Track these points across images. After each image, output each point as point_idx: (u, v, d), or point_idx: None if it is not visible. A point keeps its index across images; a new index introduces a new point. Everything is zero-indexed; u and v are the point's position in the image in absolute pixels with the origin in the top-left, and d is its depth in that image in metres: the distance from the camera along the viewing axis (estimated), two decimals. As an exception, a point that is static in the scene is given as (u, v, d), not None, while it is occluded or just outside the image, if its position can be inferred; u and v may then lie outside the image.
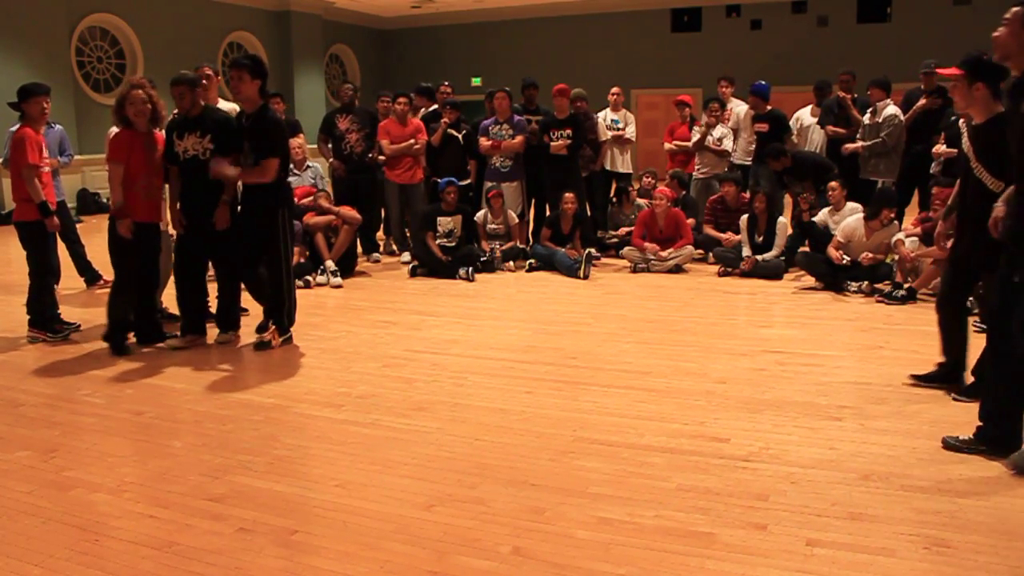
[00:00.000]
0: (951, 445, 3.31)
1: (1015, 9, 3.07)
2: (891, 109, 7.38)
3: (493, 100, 7.91)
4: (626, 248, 7.52)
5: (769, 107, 8.05)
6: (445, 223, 7.40)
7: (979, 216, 3.51)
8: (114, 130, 5.01)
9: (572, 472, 3.17)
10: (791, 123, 8.42)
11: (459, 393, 4.14)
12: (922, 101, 7.58)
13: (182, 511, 2.89)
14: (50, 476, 3.21)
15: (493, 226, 7.70)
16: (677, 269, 7.20)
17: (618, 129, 8.56)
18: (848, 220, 6.50)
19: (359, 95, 8.25)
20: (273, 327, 5.00)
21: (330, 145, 7.98)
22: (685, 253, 7.26)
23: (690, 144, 8.43)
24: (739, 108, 8.52)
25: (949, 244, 3.93)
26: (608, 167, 8.59)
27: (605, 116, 8.68)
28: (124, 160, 4.79)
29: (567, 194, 7.42)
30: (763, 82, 8.24)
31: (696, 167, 8.43)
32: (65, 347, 5.09)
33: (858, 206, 6.66)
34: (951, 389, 3.95)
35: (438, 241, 7.36)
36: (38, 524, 2.80)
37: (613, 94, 8.81)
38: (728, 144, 8.25)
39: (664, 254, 7.18)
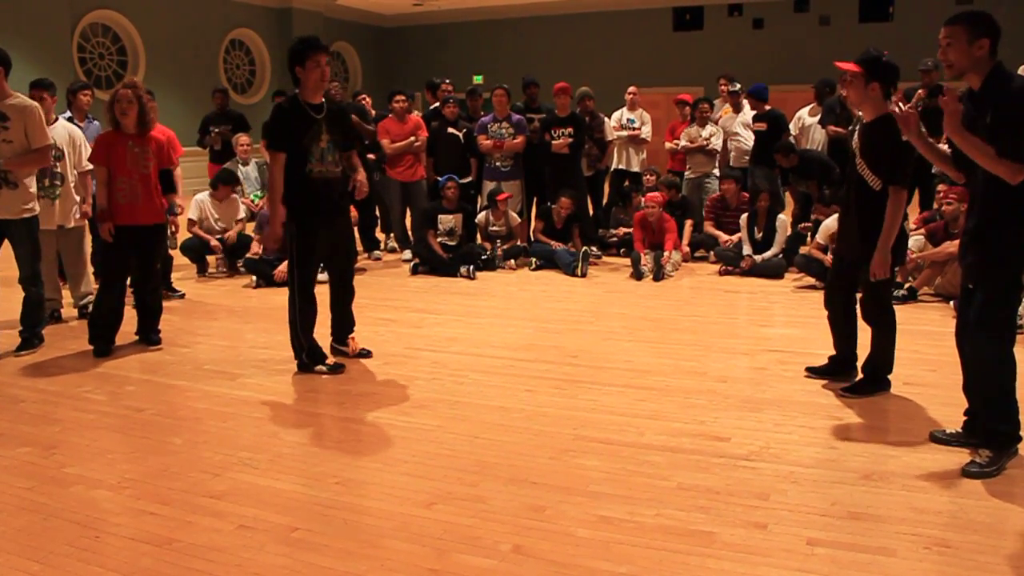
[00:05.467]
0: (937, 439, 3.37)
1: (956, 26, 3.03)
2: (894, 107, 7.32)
3: (489, 97, 7.90)
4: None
5: (768, 107, 8.04)
6: (446, 221, 7.40)
7: (859, 212, 3.80)
8: None
9: (572, 470, 3.17)
10: (792, 123, 8.41)
11: (459, 391, 4.14)
12: (919, 93, 7.60)
13: (182, 508, 2.89)
14: (50, 472, 3.21)
15: (495, 228, 7.69)
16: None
17: (634, 128, 8.57)
18: (826, 222, 6.51)
19: (347, 92, 8.24)
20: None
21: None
22: (675, 260, 7.23)
23: (678, 147, 8.44)
24: (725, 118, 8.52)
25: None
26: (624, 166, 8.61)
27: (621, 115, 8.69)
28: (103, 162, 4.78)
29: (563, 199, 7.42)
30: (760, 83, 8.25)
31: (687, 167, 8.45)
32: (66, 344, 5.10)
33: None
34: (841, 383, 4.09)
35: (439, 239, 7.36)
36: (38, 520, 2.80)
37: (630, 93, 8.83)
38: (717, 143, 8.24)
39: (668, 267, 7.10)
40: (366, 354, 4.76)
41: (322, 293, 4.66)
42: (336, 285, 4.71)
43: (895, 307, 5.72)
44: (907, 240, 4.24)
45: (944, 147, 3.59)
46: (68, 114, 6.19)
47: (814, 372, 4.30)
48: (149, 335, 5.08)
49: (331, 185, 4.41)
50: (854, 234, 3.85)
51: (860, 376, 4.06)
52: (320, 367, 4.47)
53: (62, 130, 5.46)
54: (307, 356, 4.49)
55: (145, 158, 4.87)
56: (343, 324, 4.79)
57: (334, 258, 4.63)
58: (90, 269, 5.88)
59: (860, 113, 3.93)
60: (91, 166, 5.28)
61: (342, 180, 4.46)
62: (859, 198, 3.83)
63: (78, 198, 5.52)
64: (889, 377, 4.00)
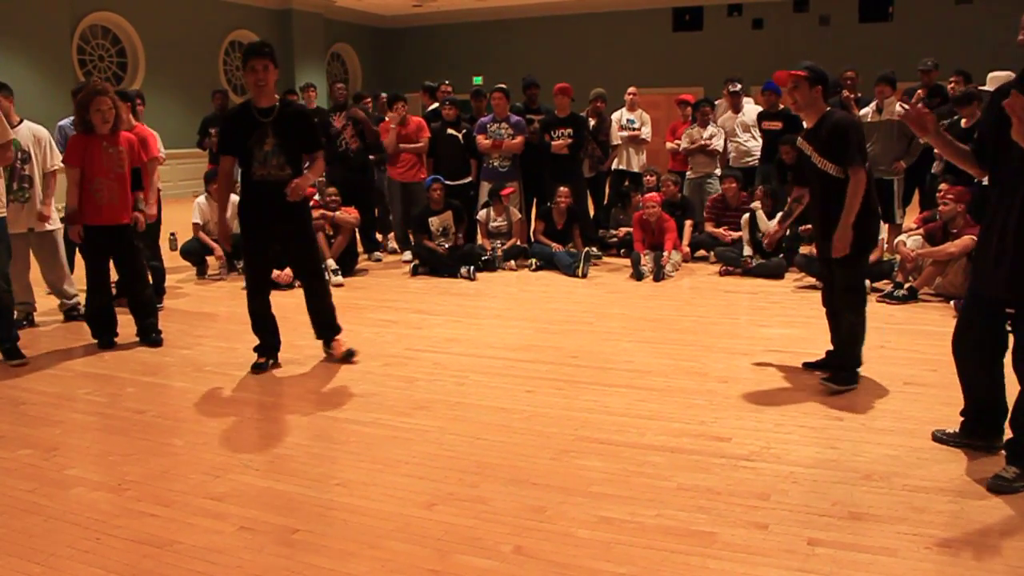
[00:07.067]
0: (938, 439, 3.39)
1: None
2: (900, 108, 7.32)
3: (490, 99, 7.90)
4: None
5: (783, 105, 7.99)
6: (436, 223, 7.40)
7: (828, 205, 3.96)
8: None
9: (573, 471, 3.17)
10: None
11: (460, 392, 4.14)
12: (918, 93, 7.61)
13: (183, 510, 2.89)
14: (51, 474, 3.21)
15: (496, 223, 7.70)
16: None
17: (634, 129, 8.57)
18: None
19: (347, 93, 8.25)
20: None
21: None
22: (675, 260, 7.24)
23: (680, 148, 8.42)
24: (724, 118, 8.51)
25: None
26: (624, 167, 8.60)
27: (621, 115, 8.67)
28: (78, 163, 4.80)
29: (561, 188, 7.42)
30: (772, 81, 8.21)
31: (688, 168, 8.44)
32: (67, 346, 5.10)
33: None
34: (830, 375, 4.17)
35: (435, 242, 7.36)
36: (40, 522, 2.81)
37: (630, 94, 8.82)
38: (719, 144, 8.23)
39: (668, 268, 7.09)
40: (351, 354, 4.71)
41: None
42: (304, 288, 4.71)
43: (895, 306, 5.82)
44: (879, 224, 4.30)
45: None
46: (72, 118, 6.14)
47: (811, 366, 4.38)
48: (149, 335, 5.10)
49: (272, 188, 4.33)
50: (829, 228, 3.97)
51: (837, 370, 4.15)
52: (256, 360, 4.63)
53: (26, 131, 5.34)
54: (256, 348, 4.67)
55: (119, 158, 4.93)
56: (320, 325, 4.75)
57: (290, 261, 4.66)
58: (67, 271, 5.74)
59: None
60: (59, 166, 5.28)
61: (288, 183, 4.34)
62: (825, 193, 3.99)
63: (40, 198, 5.36)
64: (859, 371, 4.10)
